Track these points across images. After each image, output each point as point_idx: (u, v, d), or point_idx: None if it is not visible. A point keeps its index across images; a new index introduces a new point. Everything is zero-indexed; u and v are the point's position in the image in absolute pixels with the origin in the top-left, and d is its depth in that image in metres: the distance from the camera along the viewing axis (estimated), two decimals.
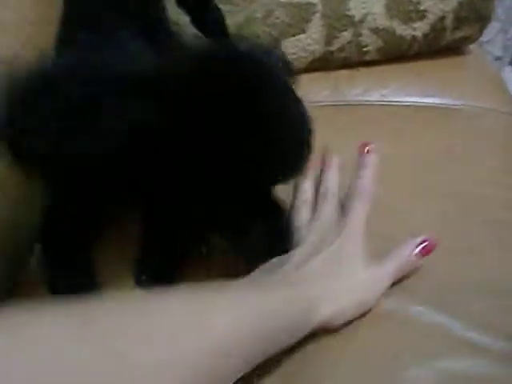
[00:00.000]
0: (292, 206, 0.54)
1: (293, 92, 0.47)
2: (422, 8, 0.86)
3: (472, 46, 0.97)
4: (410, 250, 0.48)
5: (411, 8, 0.86)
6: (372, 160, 0.55)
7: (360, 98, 0.88)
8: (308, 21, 0.87)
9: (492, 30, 1.72)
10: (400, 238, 0.51)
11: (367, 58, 0.90)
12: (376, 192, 0.54)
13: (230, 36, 0.83)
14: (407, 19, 0.87)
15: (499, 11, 1.68)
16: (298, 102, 0.47)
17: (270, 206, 0.47)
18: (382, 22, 0.87)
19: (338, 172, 0.56)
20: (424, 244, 0.49)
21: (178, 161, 0.42)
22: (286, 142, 0.44)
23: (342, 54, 0.89)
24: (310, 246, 0.48)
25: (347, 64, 0.91)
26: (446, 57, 0.94)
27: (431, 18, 0.87)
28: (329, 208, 0.52)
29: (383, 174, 0.65)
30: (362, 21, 0.87)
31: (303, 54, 0.89)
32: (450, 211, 0.61)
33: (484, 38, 1.73)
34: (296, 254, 0.47)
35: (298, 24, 0.87)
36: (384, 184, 0.63)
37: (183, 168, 0.42)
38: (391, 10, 0.87)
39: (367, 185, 0.53)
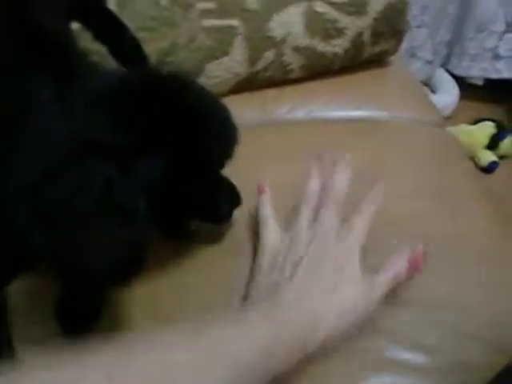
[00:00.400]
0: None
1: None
2: (339, 26, 0.89)
3: (393, 57, 1.00)
4: (401, 264, 0.51)
5: (329, 26, 0.89)
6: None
7: (287, 116, 0.89)
8: (231, 43, 0.88)
9: (421, 36, 1.79)
10: None
11: (292, 76, 0.92)
12: None
13: (148, 63, 0.84)
14: (327, 37, 0.89)
15: (426, 18, 1.75)
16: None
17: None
18: (303, 40, 0.89)
19: (346, 177, 0.59)
20: (414, 256, 0.51)
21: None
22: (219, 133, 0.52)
23: (267, 74, 0.91)
24: (311, 260, 0.50)
25: (273, 83, 0.93)
26: (368, 69, 0.97)
27: (349, 34, 0.90)
28: (330, 214, 0.54)
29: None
30: (283, 41, 0.89)
31: (228, 76, 0.90)
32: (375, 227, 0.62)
33: (415, 43, 1.81)
34: (298, 273, 0.48)
35: (221, 47, 0.88)
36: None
37: None
38: (310, 29, 0.89)
39: (376, 197, 0.56)
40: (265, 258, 0.53)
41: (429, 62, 1.86)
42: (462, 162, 0.81)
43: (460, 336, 0.52)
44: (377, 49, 0.93)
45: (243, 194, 0.59)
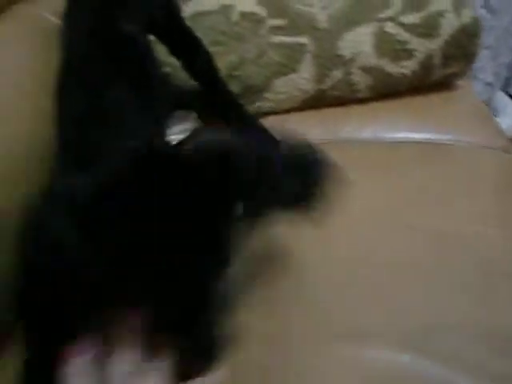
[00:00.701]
0: None
1: None
2: (410, 47, 0.89)
3: (458, 82, 0.99)
4: None
5: (399, 47, 0.89)
6: None
7: (352, 135, 0.89)
8: (299, 61, 0.89)
9: (483, 57, 1.76)
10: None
11: (358, 95, 0.93)
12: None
13: (220, 79, 0.86)
14: (396, 58, 0.89)
15: (490, 39, 1.72)
16: None
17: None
18: (372, 60, 0.89)
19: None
20: None
21: None
22: None
23: (334, 93, 0.91)
24: None
25: (339, 102, 0.93)
26: (435, 92, 0.96)
27: (419, 56, 0.89)
28: None
29: (377, 211, 0.68)
30: (352, 60, 0.89)
31: (295, 93, 0.91)
32: (442, 250, 0.62)
33: (476, 64, 1.78)
34: None
35: (290, 64, 0.89)
36: (376, 220, 0.66)
37: None
38: (380, 49, 0.89)
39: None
40: None
41: (489, 84, 1.82)
42: None
43: None
44: (446, 71, 0.92)
45: None
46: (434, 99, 0.95)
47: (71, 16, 0.73)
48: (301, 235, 0.59)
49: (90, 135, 0.57)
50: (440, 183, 0.73)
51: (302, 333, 0.51)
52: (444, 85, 0.97)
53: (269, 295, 0.54)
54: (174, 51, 0.81)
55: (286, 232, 0.56)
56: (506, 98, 1.86)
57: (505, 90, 1.88)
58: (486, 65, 1.78)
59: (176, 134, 0.84)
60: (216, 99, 0.88)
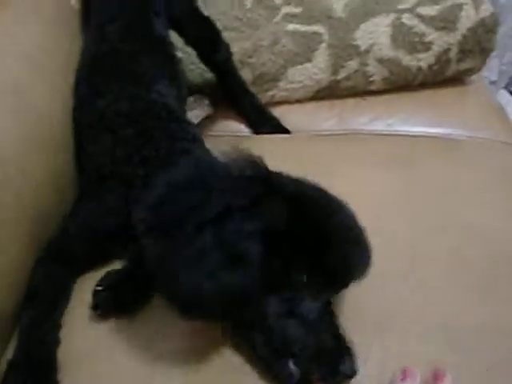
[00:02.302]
0: None
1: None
2: (427, 40, 0.87)
3: (472, 77, 0.98)
4: None
5: (416, 39, 0.87)
6: None
7: (366, 127, 0.88)
8: (314, 50, 0.88)
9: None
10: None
11: (373, 87, 0.91)
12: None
13: (235, 69, 0.85)
14: (413, 50, 0.88)
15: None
16: None
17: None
18: (388, 52, 0.88)
19: None
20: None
21: None
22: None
23: (349, 83, 0.90)
24: None
25: (353, 93, 0.92)
26: (449, 86, 0.95)
27: (436, 49, 0.88)
28: None
29: (391, 204, 0.67)
30: (368, 51, 0.88)
31: (309, 83, 0.89)
32: (460, 243, 0.61)
33: None
34: None
35: (305, 53, 0.88)
36: (392, 214, 0.65)
37: None
38: (397, 40, 0.88)
39: None
40: None
41: (493, 83, 1.82)
42: None
43: None
44: (462, 66, 0.91)
45: None
46: (448, 94, 0.94)
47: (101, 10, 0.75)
48: None
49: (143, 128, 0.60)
50: (459, 177, 0.72)
51: None
52: (458, 79, 0.95)
53: None
54: (191, 42, 0.81)
55: None
56: (509, 96, 1.86)
57: (508, 88, 1.88)
58: (490, 63, 1.77)
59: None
60: (229, 88, 0.87)
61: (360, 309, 0.50)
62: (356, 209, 0.63)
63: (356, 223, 0.48)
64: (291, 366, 0.43)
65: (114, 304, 0.52)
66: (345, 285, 0.47)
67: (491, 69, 1.77)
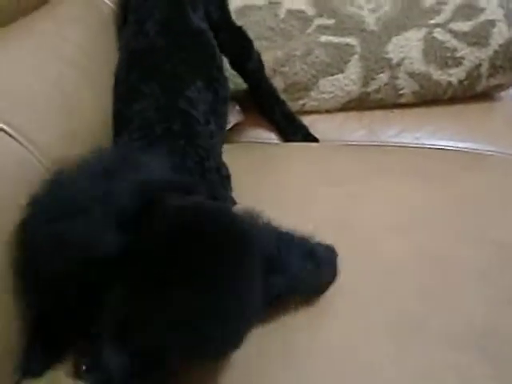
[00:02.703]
0: None
1: None
2: (458, 55, 0.88)
3: (503, 93, 0.98)
4: None
5: (448, 54, 0.88)
6: None
7: (394, 139, 0.89)
8: (346, 61, 0.89)
9: None
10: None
11: (402, 100, 0.92)
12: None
13: (266, 78, 0.86)
14: (443, 65, 0.89)
15: None
16: None
17: None
18: (419, 66, 0.89)
19: None
20: None
21: None
22: None
23: (378, 96, 0.91)
24: None
25: (382, 105, 0.93)
26: (477, 102, 0.95)
27: (467, 65, 0.89)
28: None
29: (424, 217, 0.67)
30: (399, 64, 0.89)
31: (340, 94, 0.90)
32: (491, 259, 0.61)
33: None
34: None
35: (337, 64, 0.89)
36: (425, 226, 0.65)
37: None
38: (428, 55, 0.89)
39: None
40: None
41: None
42: None
43: None
44: (492, 82, 0.92)
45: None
46: (476, 109, 0.95)
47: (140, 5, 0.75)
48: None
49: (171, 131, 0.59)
50: (485, 192, 0.73)
51: None
52: (487, 95, 0.96)
53: None
54: (224, 49, 0.82)
55: None
56: None
57: None
58: None
59: None
60: (260, 96, 0.89)
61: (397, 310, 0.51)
62: (386, 220, 0.65)
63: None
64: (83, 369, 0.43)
65: None
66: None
67: None
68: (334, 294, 0.53)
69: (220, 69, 0.76)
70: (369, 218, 0.65)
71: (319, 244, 0.52)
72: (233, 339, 0.41)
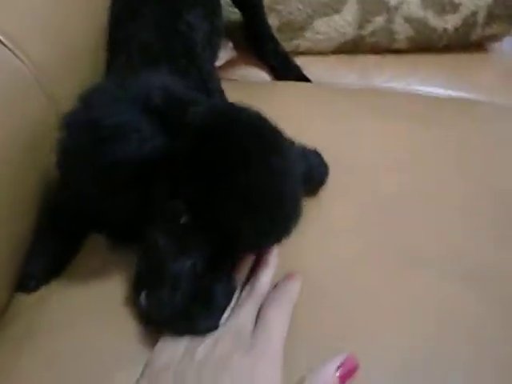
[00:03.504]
0: None
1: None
2: (456, 1, 0.87)
3: (496, 44, 0.98)
4: (329, 375, 0.39)
5: (446, 0, 0.87)
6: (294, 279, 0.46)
7: (386, 84, 0.89)
8: (344, 2, 0.87)
9: None
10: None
11: (396, 45, 0.91)
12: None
13: (263, 12, 0.85)
14: (441, 10, 0.88)
15: None
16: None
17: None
18: (416, 10, 0.88)
19: (271, 273, 0.47)
20: (345, 367, 0.40)
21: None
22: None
23: (373, 39, 0.90)
24: (218, 351, 0.39)
25: (376, 50, 0.92)
26: (471, 52, 0.95)
27: (464, 11, 0.88)
28: (250, 308, 0.43)
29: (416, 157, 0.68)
30: (396, 8, 0.88)
31: (335, 35, 0.89)
32: (477, 199, 0.62)
33: None
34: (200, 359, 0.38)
35: (334, 4, 0.87)
36: (418, 167, 0.66)
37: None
38: (426, 0, 0.87)
39: (292, 292, 0.45)
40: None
41: None
42: None
43: None
44: (488, 32, 0.91)
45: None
46: (469, 59, 0.94)
47: None
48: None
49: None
50: (481, 138, 0.72)
51: None
52: (481, 46, 0.96)
53: None
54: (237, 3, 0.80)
55: None
56: None
57: None
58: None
59: None
60: (255, 32, 0.87)
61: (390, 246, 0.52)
62: (383, 158, 0.65)
63: (285, 188, 0.41)
64: (142, 297, 0.41)
65: None
66: (240, 247, 0.42)
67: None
68: (324, 231, 0.54)
69: (217, 3, 0.74)
70: (365, 155, 0.65)
71: (307, 147, 0.54)
72: (297, 221, 0.43)
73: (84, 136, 0.40)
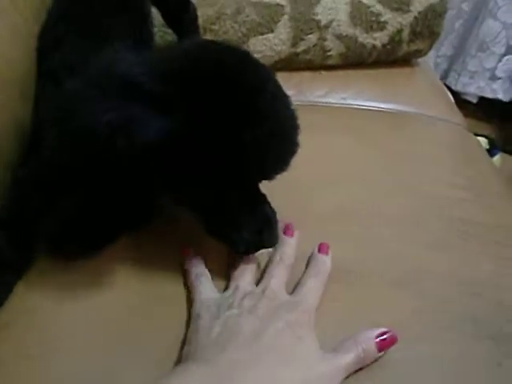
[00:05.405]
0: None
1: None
2: (382, 20, 0.92)
3: (420, 59, 1.04)
4: (369, 343, 0.43)
5: (373, 19, 0.92)
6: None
7: (322, 99, 0.92)
8: (276, 21, 0.90)
9: None
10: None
11: (329, 61, 0.95)
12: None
13: (200, 35, 0.86)
14: (369, 28, 0.92)
15: None
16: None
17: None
18: (346, 28, 0.92)
19: (296, 244, 0.54)
20: (384, 336, 0.44)
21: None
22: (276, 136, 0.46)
23: (307, 57, 0.93)
24: (254, 319, 0.42)
25: (310, 66, 0.95)
26: (399, 67, 1.00)
27: (390, 29, 0.93)
28: (281, 275, 0.49)
29: (349, 168, 0.71)
30: (327, 26, 0.91)
31: (270, 53, 0.92)
32: (412, 207, 0.66)
33: None
34: (244, 329, 0.41)
35: (267, 23, 0.90)
36: (350, 176, 0.69)
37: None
38: (355, 18, 0.92)
39: (327, 262, 0.52)
40: (196, 309, 0.46)
41: None
42: (485, 157, 0.86)
43: None
44: (412, 47, 0.96)
45: None
46: (398, 74, 1.00)
47: None
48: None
49: None
50: (408, 149, 0.77)
51: None
52: (407, 61, 1.01)
53: None
54: (162, 5, 0.80)
55: None
56: None
57: (442, 80, 1.99)
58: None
59: None
60: None
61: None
62: (319, 173, 0.67)
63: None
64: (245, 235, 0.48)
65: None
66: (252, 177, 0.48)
67: (428, 60, 1.87)
68: None
69: (149, 33, 0.74)
70: (301, 170, 0.67)
71: None
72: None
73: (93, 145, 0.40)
